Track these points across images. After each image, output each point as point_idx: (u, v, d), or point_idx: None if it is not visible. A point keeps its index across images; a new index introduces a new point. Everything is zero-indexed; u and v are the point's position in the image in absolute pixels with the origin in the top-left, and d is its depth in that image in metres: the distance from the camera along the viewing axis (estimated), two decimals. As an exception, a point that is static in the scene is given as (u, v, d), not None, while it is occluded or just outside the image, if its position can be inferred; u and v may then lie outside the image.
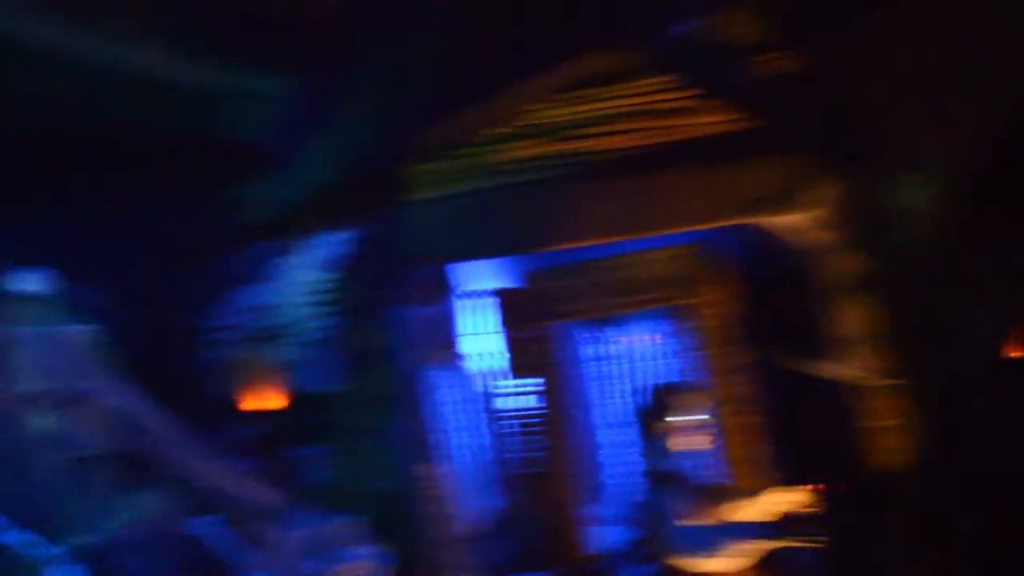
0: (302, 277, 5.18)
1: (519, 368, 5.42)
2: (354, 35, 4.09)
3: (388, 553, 4.44)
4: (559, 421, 5.35)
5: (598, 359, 5.48)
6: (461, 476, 5.24)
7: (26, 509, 3.92)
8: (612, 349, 5.49)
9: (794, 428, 4.82)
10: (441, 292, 5.35)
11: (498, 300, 5.46)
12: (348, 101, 4.53)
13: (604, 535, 5.11)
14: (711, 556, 3.69)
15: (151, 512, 4.31)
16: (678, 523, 3.71)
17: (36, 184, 4.37)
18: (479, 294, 5.45)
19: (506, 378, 5.42)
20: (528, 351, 5.39)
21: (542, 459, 5.32)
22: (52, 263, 4.46)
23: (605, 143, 4.68)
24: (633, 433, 5.17)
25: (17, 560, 3.77)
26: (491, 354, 5.44)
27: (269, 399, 5.22)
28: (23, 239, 4.56)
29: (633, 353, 5.45)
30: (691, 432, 3.86)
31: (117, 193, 4.62)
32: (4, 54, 3.73)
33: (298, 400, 5.21)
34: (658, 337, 5.41)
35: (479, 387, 5.43)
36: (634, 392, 5.29)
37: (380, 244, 5.12)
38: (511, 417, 5.39)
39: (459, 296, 5.41)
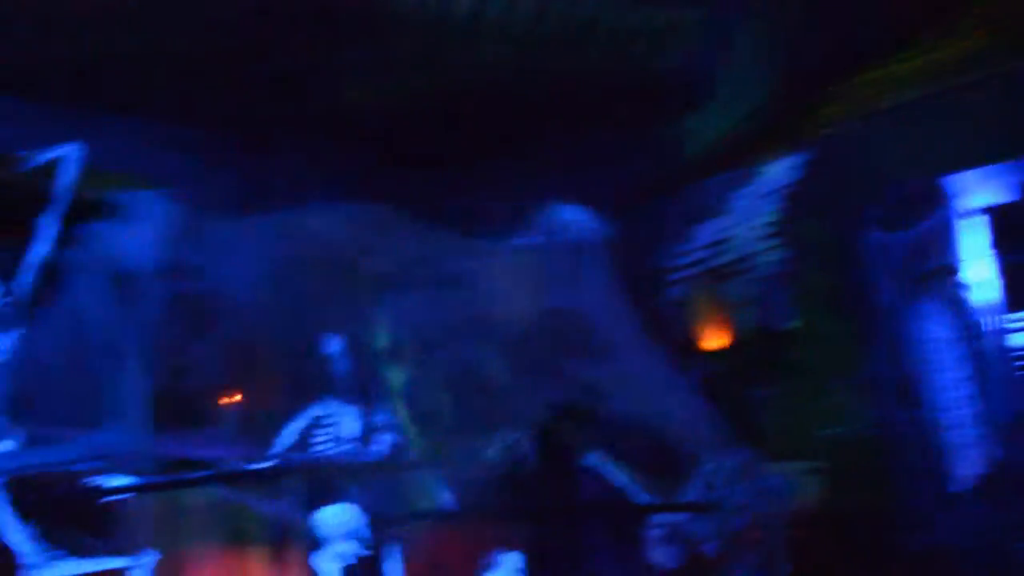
0: (757, 209, 4.92)
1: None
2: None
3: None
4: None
5: None
6: (950, 427, 4.53)
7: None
8: None
9: None
10: (921, 213, 4.60)
11: (996, 218, 4.50)
12: (772, 18, 4.10)
13: None
14: None
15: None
16: None
17: (496, 139, 4.76)
18: (969, 212, 4.55)
19: (1009, 311, 4.47)
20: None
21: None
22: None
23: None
24: None
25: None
26: (988, 283, 4.53)
27: (727, 336, 5.10)
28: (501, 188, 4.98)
29: None
30: None
31: (572, 142, 4.84)
32: (440, 25, 4.11)
33: (756, 337, 4.99)
34: None
35: (975, 322, 4.56)
36: None
37: (837, 165, 4.60)
38: (1018, 358, 4.45)
39: (944, 216, 4.58)
